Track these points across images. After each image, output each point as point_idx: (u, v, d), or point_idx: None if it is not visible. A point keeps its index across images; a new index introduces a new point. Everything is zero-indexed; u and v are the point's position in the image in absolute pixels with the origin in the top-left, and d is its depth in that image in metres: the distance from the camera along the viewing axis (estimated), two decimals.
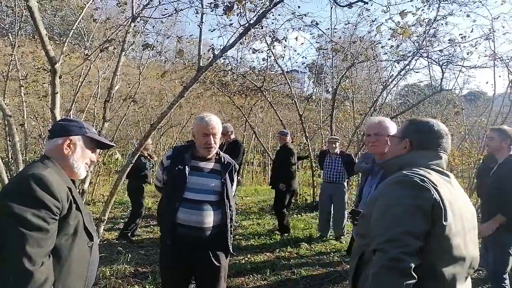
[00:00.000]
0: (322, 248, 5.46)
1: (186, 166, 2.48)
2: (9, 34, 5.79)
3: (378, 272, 1.30)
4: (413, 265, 1.27)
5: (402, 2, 4.16)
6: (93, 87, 8.20)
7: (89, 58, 4.67)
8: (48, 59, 2.22)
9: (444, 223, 1.33)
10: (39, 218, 1.39)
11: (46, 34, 2.05)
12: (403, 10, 3.29)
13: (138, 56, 8.72)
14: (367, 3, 3.08)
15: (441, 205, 1.34)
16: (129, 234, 5.52)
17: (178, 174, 2.47)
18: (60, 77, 2.36)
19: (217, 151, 2.61)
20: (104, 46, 3.98)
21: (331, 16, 9.84)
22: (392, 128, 2.32)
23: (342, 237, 5.77)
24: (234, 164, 2.69)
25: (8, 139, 6.19)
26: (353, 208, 2.46)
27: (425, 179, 1.38)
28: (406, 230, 1.30)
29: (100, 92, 7.75)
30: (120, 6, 5.24)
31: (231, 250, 2.59)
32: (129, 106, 8.03)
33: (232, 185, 2.68)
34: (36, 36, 6.03)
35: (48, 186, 1.44)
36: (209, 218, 2.44)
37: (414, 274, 1.26)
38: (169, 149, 5.78)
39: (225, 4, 3.14)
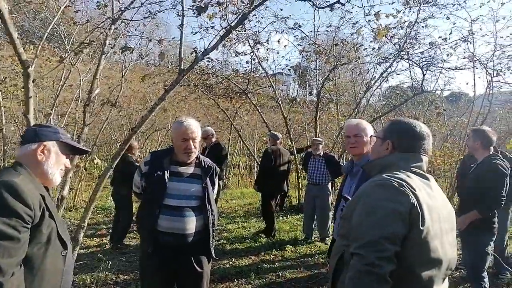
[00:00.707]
0: (307, 250, 5.47)
1: (165, 172, 2.43)
2: None
3: (355, 277, 1.32)
4: (388, 271, 1.29)
5: (382, 3, 4.21)
6: (75, 91, 8.04)
7: (65, 61, 4.58)
8: (20, 62, 2.16)
9: (421, 227, 1.34)
10: (9, 227, 1.35)
11: (17, 37, 1.99)
12: (378, 12, 3.33)
13: (121, 60, 8.60)
14: (344, 4, 3.11)
15: (419, 210, 1.35)
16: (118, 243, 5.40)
17: (157, 180, 2.42)
18: (33, 81, 2.30)
19: (197, 155, 2.57)
20: (79, 49, 3.89)
21: (314, 18, 9.89)
22: (370, 129, 2.37)
23: (327, 238, 5.79)
24: (215, 167, 2.66)
25: None
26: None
27: (404, 183, 1.40)
28: (384, 235, 1.32)
29: (81, 96, 7.61)
30: (100, 8, 5.16)
31: (213, 255, 2.57)
32: (111, 110, 7.90)
33: (213, 189, 2.64)
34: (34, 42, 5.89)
35: (19, 193, 1.40)
36: (191, 224, 2.40)
37: (389, 279, 1.29)
38: None
39: (198, 6, 3.10)
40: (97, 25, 4.88)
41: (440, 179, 9.88)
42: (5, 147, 6.56)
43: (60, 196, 3.85)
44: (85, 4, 6.21)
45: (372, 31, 6.08)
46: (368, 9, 5.04)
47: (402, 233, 1.33)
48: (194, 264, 2.44)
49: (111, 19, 4.49)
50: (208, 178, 2.54)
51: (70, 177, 4.13)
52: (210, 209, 2.49)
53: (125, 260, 4.76)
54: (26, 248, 1.41)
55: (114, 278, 4.12)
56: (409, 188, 1.38)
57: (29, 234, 1.43)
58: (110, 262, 4.34)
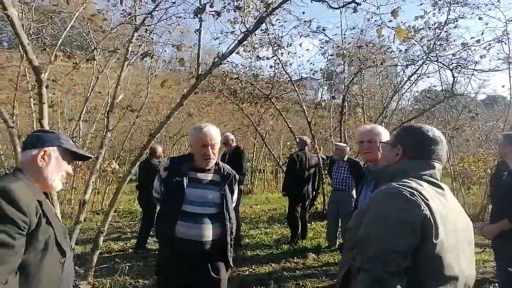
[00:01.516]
0: (330, 258, 5.30)
1: (184, 178, 2.41)
2: (20, 46, 5.88)
3: None
4: (398, 286, 1.20)
5: (411, 2, 4.05)
6: (105, 98, 8.28)
7: (93, 68, 4.69)
8: (32, 69, 2.21)
9: (434, 241, 1.24)
10: (3, 233, 1.33)
11: (28, 44, 2.04)
12: (395, 9, 3.18)
13: (148, 66, 8.81)
14: (359, 4, 2.99)
15: (432, 221, 1.24)
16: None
17: (175, 186, 2.41)
18: (46, 87, 2.35)
19: (216, 161, 2.55)
20: (91, 55, 3.98)
21: (341, 21, 9.69)
22: (385, 134, 2.24)
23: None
24: (234, 174, 2.63)
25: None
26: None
27: (415, 192, 1.29)
28: (392, 248, 1.23)
29: (110, 102, 7.82)
30: (125, 16, 5.28)
31: (231, 264, 2.53)
32: (137, 115, 8.08)
33: (232, 196, 2.61)
34: (47, 48, 6.13)
35: (14, 199, 1.38)
36: (209, 232, 2.37)
37: None
38: None
39: (197, 7, 3.09)
40: (121, 33, 5.00)
41: (475, 186, 9.41)
42: None
43: (82, 201, 3.93)
44: (113, 12, 6.36)
45: (393, 29, 5.87)
46: (391, 9, 4.88)
47: (412, 246, 1.23)
48: (211, 272, 2.41)
49: (134, 27, 4.58)
50: (226, 185, 2.52)
51: (92, 182, 4.22)
52: (228, 217, 2.46)
53: (144, 265, 4.79)
54: (22, 255, 1.39)
55: (133, 283, 4.15)
56: (421, 198, 1.27)
57: (25, 241, 1.41)
58: (130, 267, 4.38)
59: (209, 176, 2.49)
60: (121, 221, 7.33)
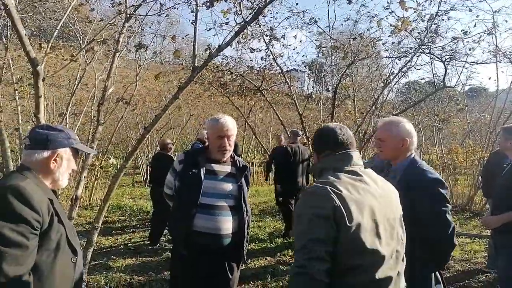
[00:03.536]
0: None
1: (201, 169, 2.37)
2: (3, 37, 5.65)
3: (290, 280, 1.48)
4: (321, 269, 1.37)
5: None
6: (91, 90, 8.07)
7: (80, 60, 4.54)
8: (29, 60, 2.10)
9: (349, 224, 1.42)
10: (17, 234, 1.29)
11: (25, 34, 1.93)
12: (402, 0, 3.15)
13: (136, 58, 8.60)
14: None
15: (343, 209, 1.43)
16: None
17: (192, 178, 2.37)
18: (43, 80, 2.24)
19: (231, 154, 2.54)
20: (89, 47, 3.84)
21: (328, 13, 9.62)
22: (397, 129, 2.12)
23: None
24: (249, 167, 2.62)
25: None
26: None
27: (328, 187, 1.47)
28: (311, 237, 1.42)
29: (97, 95, 7.62)
30: (114, 6, 5.12)
31: (245, 259, 2.52)
32: (126, 108, 7.90)
33: (248, 189, 2.61)
34: (31, 39, 5.90)
35: (27, 198, 1.34)
36: (227, 224, 2.35)
37: (322, 277, 1.37)
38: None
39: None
40: (111, 22, 4.84)
41: (462, 177, 9.58)
42: (21, 146, 6.60)
43: (74, 197, 3.81)
44: (100, 2, 6.19)
45: (390, 26, 5.86)
46: (388, 1, 4.86)
47: (329, 234, 1.42)
48: (228, 271, 2.39)
49: (124, 17, 4.43)
50: (243, 177, 2.51)
51: (84, 177, 4.10)
52: (245, 209, 2.45)
53: (140, 261, 4.71)
54: (35, 255, 1.36)
55: (128, 279, 4.08)
56: (333, 191, 1.46)
57: (38, 240, 1.37)
58: (125, 263, 4.30)
59: (226, 168, 2.48)
60: (110, 216, 7.21)
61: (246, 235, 2.44)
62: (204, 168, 2.38)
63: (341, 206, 1.43)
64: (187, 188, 2.38)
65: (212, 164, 2.43)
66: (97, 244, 5.35)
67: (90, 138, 6.07)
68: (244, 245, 2.44)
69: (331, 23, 6.93)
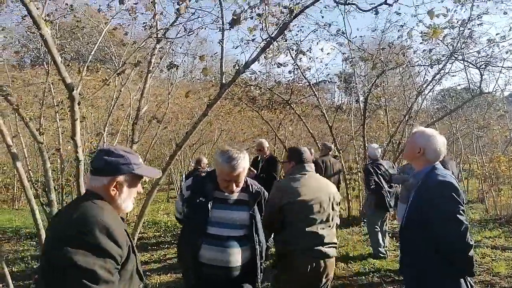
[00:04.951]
0: (360, 267, 5.15)
1: (208, 198, 2.23)
2: (44, 63, 6.04)
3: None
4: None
5: (430, 1, 3.95)
6: (127, 110, 8.40)
7: (115, 82, 4.76)
8: (65, 86, 2.23)
9: (290, 206, 2.52)
10: (105, 271, 1.28)
11: (61, 61, 2.05)
12: (431, 9, 3.07)
13: (168, 77, 8.91)
14: (391, 5, 2.91)
15: (294, 197, 2.53)
16: None
17: (199, 207, 2.22)
18: (79, 104, 2.37)
19: (244, 179, 2.32)
20: (122, 69, 4.02)
21: (344, 24, 9.55)
22: (420, 138, 2.21)
23: (381, 255, 5.37)
24: (264, 192, 2.46)
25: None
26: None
27: (288, 183, 2.64)
28: (266, 216, 2.51)
29: (132, 114, 7.93)
30: (146, 29, 5.35)
31: None
32: (159, 126, 8.15)
33: (261, 216, 2.45)
34: (70, 64, 6.27)
35: (112, 233, 1.33)
36: (236, 257, 2.19)
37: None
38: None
39: (231, 18, 3.08)
40: (141, 45, 5.07)
41: (505, 187, 9.05)
42: (62, 166, 6.94)
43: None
44: (133, 26, 6.48)
45: (421, 34, 5.74)
46: (415, 9, 4.77)
47: (279, 215, 2.55)
48: None
49: (155, 39, 4.62)
50: (256, 204, 2.35)
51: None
52: (257, 240, 2.29)
53: (174, 278, 4.74)
54: None
55: None
56: (286, 186, 2.62)
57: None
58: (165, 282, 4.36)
59: (235, 195, 2.31)
60: (145, 232, 7.37)
61: (259, 266, 2.29)
62: (212, 196, 2.25)
63: (293, 196, 2.53)
64: (194, 216, 2.27)
65: (222, 192, 2.28)
66: None
67: None
68: (258, 277, 2.30)
69: (358, 34, 6.89)
